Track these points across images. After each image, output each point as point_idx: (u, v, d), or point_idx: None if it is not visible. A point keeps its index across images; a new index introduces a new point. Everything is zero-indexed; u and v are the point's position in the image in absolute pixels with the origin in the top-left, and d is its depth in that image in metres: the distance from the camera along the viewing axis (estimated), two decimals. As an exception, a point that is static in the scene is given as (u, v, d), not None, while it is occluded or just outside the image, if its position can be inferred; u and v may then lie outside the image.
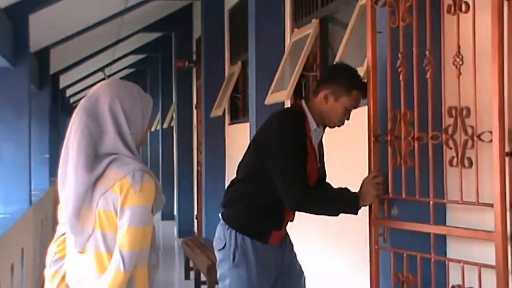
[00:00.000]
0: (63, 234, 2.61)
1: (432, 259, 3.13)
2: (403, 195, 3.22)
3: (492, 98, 2.74)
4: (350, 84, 3.43)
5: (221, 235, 3.48)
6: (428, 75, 3.05)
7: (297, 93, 6.04)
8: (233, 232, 3.43)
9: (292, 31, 6.49)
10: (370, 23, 3.42)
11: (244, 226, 3.45)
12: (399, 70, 3.23)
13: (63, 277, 2.58)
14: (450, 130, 2.94)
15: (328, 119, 3.47)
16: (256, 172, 3.43)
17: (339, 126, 3.52)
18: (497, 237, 2.78)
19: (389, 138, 3.30)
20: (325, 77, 3.54)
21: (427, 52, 3.09)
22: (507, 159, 2.75)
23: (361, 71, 4.10)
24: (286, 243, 3.60)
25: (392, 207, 3.39)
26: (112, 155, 2.45)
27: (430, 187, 3.09)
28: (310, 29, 5.87)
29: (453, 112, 2.91)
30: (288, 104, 6.41)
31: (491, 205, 2.81)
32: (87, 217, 2.45)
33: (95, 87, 2.57)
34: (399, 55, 3.24)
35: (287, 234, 3.63)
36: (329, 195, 3.44)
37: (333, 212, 3.44)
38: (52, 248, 2.64)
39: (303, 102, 3.50)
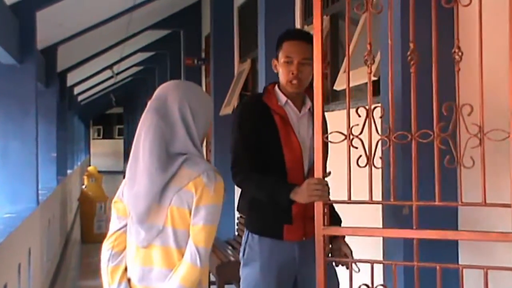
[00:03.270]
0: (119, 229, 2.69)
1: (416, 267, 2.97)
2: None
3: (509, 95, 2.70)
4: (279, 40, 3.54)
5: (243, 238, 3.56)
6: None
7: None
8: (246, 232, 3.49)
9: (302, 28, 6.50)
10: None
11: (251, 223, 3.49)
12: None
13: (124, 271, 2.67)
14: (449, 128, 2.87)
15: (283, 83, 3.50)
16: None
17: (294, 83, 3.45)
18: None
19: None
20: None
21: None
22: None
23: (373, 68, 4.11)
24: (311, 242, 3.33)
25: (403, 207, 3.40)
26: (184, 155, 2.59)
27: (413, 188, 2.93)
28: (321, 27, 5.88)
29: (454, 109, 2.86)
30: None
31: (509, 205, 2.77)
32: (157, 213, 2.57)
33: (161, 88, 2.71)
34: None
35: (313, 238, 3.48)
36: (262, 181, 3.35)
37: (265, 198, 3.35)
38: (108, 244, 2.71)
39: (275, 85, 3.55)
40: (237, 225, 8.09)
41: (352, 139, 2.89)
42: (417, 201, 2.90)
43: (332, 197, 3.15)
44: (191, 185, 2.56)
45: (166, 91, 2.68)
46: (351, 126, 2.90)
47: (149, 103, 2.69)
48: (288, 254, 3.43)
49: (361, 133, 2.88)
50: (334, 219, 3.49)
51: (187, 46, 12.58)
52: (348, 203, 2.99)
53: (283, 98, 3.50)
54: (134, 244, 2.63)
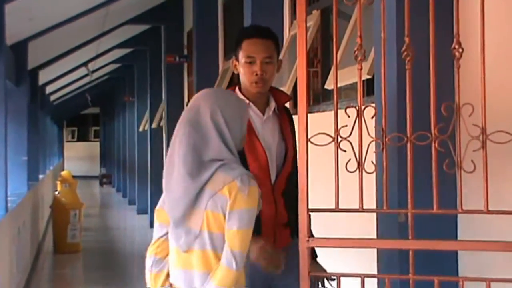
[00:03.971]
0: (162, 236, 2.95)
1: (411, 280, 2.90)
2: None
3: None
4: (237, 39, 3.52)
5: None
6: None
7: (297, 91, 6.02)
8: None
9: (291, 23, 6.49)
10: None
11: None
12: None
13: (167, 276, 2.94)
14: (448, 130, 2.83)
15: (245, 85, 3.47)
16: None
17: (259, 84, 3.43)
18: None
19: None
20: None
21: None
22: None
23: (365, 67, 4.10)
24: (286, 251, 3.42)
25: (398, 214, 3.37)
26: (219, 161, 2.84)
27: (409, 195, 2.85)
28: (311, 22, 5.87)
29: (453, 108, 2.83)
30: (287, 104, 6.40)
31: None
32: (194, 218, 2.84)
33: (193, 99, 2.98)
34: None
35: (290, 240, 3.48)
36: None
37: None
38: (152, 250, 2.97)
39: (236, 88, 3.53)
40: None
41: (340, 141, 2.85)
42: (413, 209, 2.86)
43: (319, 205, 3.11)
44: (225, 189, 2.79)
45: (198, 101, 2.94)
46: (339, 127, 2.86)
47: (182, 113, 2.96)
48: (258, 266, 3.36)
49: (350, 135, 2.84)
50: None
51: (168, 43, 12.56)
52: (335, 211, 2.95)
53: (245, 101, 3.44)
54: (175, 249, 2.89)
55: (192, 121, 2.88)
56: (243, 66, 3.45)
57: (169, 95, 12.43)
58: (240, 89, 3.51)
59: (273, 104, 3.52)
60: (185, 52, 11.96)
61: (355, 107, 2.86)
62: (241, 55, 3.46)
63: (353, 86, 4.93)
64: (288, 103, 3.69)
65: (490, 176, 2.76)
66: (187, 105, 10.91)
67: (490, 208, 2.77)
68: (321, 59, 6.01)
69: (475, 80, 2.88)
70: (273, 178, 3.44)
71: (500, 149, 2.78)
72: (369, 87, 4.48)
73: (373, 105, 2.95)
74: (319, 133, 2.86)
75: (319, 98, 5.91)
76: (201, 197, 2.81)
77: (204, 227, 2.81)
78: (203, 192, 2.80)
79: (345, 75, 4.51)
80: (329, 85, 5.19)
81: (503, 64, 3.22)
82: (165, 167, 2.90)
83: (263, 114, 3.49)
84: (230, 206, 2.78)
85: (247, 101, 3.46)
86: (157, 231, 2.96)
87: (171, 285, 2.91)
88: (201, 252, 2.82)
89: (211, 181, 2.80)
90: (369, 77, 4.25)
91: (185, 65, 12.10)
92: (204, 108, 2.89)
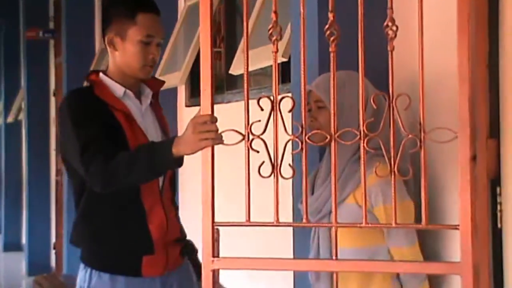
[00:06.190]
0: None
1: None
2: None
3: (460, 82, 2.73)
4: (128, 10, 3.47)
5: (78, 280, 3.51)
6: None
7: (195, 76, 6.06)
8: (89, 270, 3.47)
9: (188, -9, 6.53)
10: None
11: (95, 257, 3.48)
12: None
13: None
14: (380, 126, 2.86)
15: (131, 68, 3.47)
16: (77, 182, 3.46)
17: (151, 67, 3.51)
18: (465, 269, 2.77)
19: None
20: (102, 22, 3.58)
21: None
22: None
23: (280, 47, 4.18)
24: (177, 275, 3.59)
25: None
26: None
27: (333, 205, 2.87)
28: (212, -11, 5.91)
29: (386, 100, 2.88)
30: (182, 90, 6.42)
31: (456, 227, 2.79)
32: None
33: None
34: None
35: (180, 260, 3.62)
36: (134, 152, 3.24)
37: (143, 170, 3.19)
38: None
39: (99, 73, 3.54)
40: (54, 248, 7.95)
41: (252, 140, 2.89)
42: (338, 222, 2.93)
43: (225, 218, 3.17)
44: None
45: None
46: (250, 122, 2.90)
47: None
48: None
49: (264, 132, 2.89)
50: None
51: (28, 13, 12.39)
52: (246, 225, 3.00)
53: (120, 89, 3.48)
54: None
55: None
56: (135, 44, 3.44)
57: (30, 81, 12.26)
58: (106, 73, 3.52)
59: (149, 93, 3.58)
60: (52, 25, 11.85)
61: (270, 98, 2.89)
62: (135, 32, 3.43)
63: (264, 71, 4.99)
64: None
65: (430, 182, 2.85)
66: (54, 94, 10.72)
67: (430, 222, 2.87)
68: (225, 37, 6.06)
69: (412, 65, 2.96)
70: (160, 182, 3.51)
71: (441, 150, 2.89)
72: (284, 72, 4.53)
73: (290, 95, 3.00)
74: (226, 130, 2.90)
75: (223, 85, 5.95)
76: None
77: None
78: None
79: (255, 58, 4.56)
80: (235, 69, 5.23)
81: (446, 45, 3.33)
82: None
83: (141, 103, 3.55)
84: None
85: (123, 89, 3.48)
86: None
87: None
88: None
89: None
90: (284, 60, 4.31)
91: (52, 42, 11.98)
92: None
